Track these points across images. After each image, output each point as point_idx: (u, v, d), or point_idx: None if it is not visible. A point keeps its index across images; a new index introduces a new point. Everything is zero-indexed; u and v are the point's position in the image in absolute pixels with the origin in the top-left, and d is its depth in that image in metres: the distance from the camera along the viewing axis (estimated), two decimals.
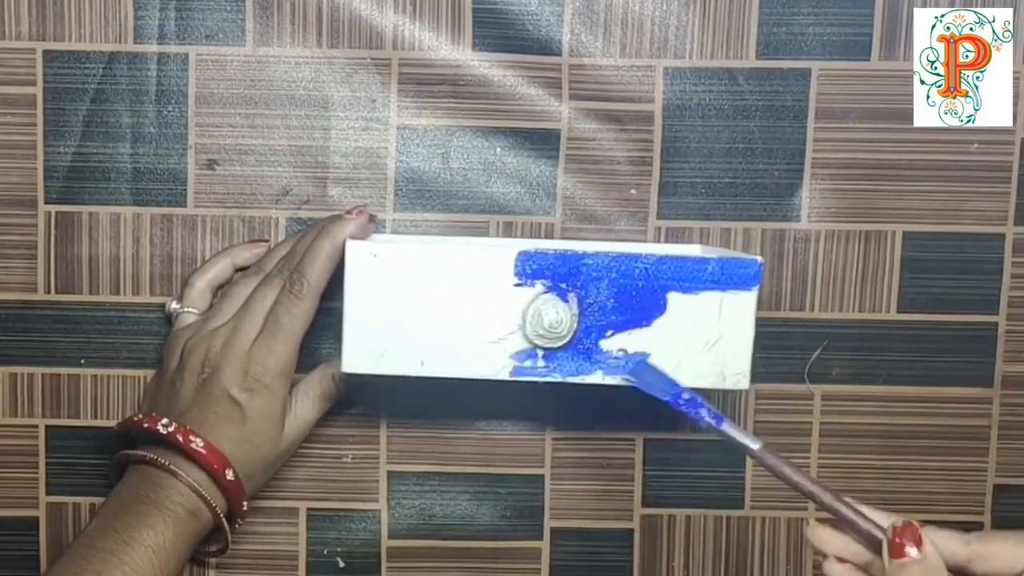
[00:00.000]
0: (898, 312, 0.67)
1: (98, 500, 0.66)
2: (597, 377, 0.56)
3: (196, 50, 0.65)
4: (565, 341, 0.56)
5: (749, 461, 0.67)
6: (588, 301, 0.55)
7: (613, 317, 0.56)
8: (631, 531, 0.68)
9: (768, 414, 0.67)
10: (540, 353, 0.56)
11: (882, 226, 0.66)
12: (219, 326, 0.60)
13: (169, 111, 0.65)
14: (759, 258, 0.56)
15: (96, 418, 0.66)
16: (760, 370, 0.66)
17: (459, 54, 0.65)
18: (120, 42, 0.64)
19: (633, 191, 0.66)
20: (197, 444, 0.58)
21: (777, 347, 0.67)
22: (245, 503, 0.61)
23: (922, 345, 0.67)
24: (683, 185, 0.66)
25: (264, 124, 0.65)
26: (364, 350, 0.56)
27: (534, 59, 0.65)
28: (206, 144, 0.65)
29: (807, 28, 0.65)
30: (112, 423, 0.65)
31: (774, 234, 0.66)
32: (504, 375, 0.56)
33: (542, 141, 0.66)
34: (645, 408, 0.65)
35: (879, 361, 0.67)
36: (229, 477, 0.59)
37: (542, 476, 0.68)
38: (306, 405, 0.62)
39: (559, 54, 0.65)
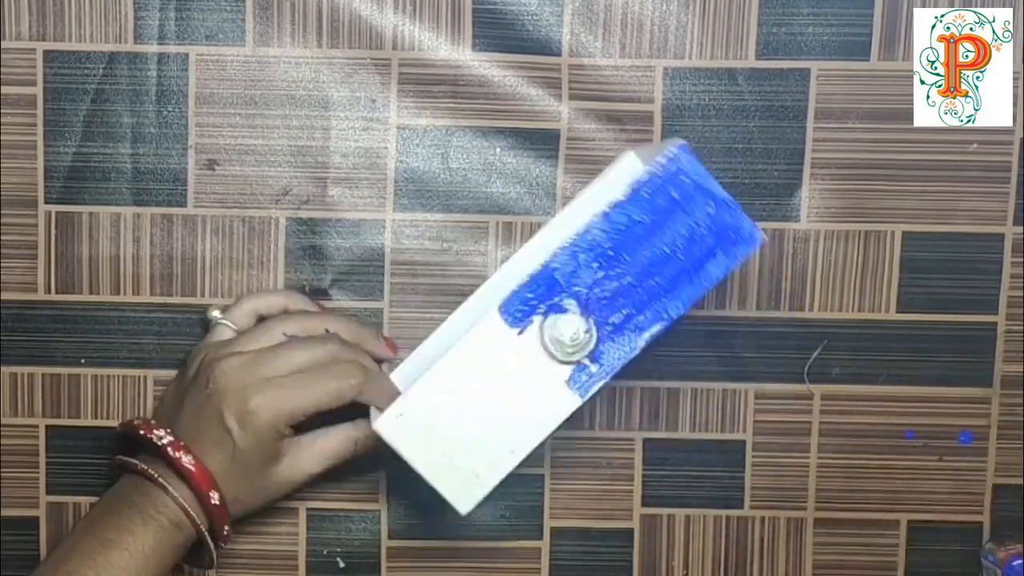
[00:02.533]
0: (897, 312, 0.66)
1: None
2: (644, 342, 0.55)
3: (196, 50, 0.64)
4: (596, 340, 0.55)
5: (749, 460, 0.67)
6: (584, 293, 0.55)
7: (612, 283, 0.55)
8: (631, 531, 0.68)
9: (768, 414, 0.67)
10: (587, 362, 0.55)
11: (881, 226, 0.66)
12: (241, 351, 0.60)
13: (169, 111, 0.65)
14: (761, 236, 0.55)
15: (96, 418, 0.66)
16: (760, 370, 0.67)
17: (459, 54, 0.65)
18: (120, 42, 0.64)
19: None
20: (187, 461, 0.58)
21: (776, 347, 0.67)
22: (227, 527, 0.60)
23: (921, 345, 0.67)
24: None
25: (264, 124, 0.65)
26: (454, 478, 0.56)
27: (534, 59, 0.65)
28: (206, 144, 0.65)
29: (807, 28, 0.65)
30: (112, 423, 0.65)
31: (773, 234, 0.66)
32: (578, 401, 0.55)
33: (542, 141, 0.66)
34: (644, 407, 0.67)
35: (878, 361, 0.67)
36: (214, 501, 0.58)
37: (542, 476, 0.67)
38: (313, 456, 0.60)
39: (559, 54, 0.65)
